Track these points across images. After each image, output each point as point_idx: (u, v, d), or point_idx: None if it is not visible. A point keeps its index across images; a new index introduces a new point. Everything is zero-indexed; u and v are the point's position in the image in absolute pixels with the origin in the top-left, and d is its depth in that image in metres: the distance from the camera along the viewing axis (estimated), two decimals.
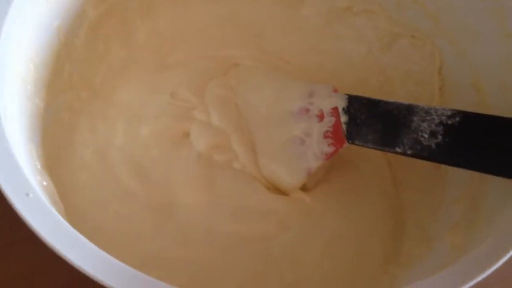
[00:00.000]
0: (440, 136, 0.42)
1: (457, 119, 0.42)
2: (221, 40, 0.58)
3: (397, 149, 0.43)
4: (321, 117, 0.48)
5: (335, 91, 0.50)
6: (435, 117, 0.42)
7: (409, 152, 0.43)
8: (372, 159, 0.50)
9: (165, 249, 0.44)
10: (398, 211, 0.49)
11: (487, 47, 0.46)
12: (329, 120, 0.48)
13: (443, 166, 0.47)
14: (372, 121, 0.45)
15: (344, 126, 0.47)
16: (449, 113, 0.42)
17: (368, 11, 0.55)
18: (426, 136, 0.42)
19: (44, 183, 0.40)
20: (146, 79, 0.54)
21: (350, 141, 0.46)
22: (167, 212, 0.46)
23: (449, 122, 0.42)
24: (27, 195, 0.32)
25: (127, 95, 0.52)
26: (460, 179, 0.45)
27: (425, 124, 0.43)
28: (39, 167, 0.41)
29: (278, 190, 0.50)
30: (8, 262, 0.47)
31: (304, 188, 0.49)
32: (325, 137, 0.48)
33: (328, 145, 0.47)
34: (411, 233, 0.47)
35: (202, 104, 0.52)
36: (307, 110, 0.49)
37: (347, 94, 0.49)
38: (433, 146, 0.42)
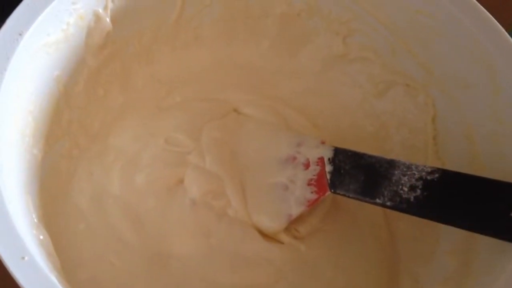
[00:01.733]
0: (419, 190, 0.43)
1: (436, 175, 0.43)
2: (219, 84, 0.59)
3: (377, 200, 0.45)
4: (307, 165, 0.50)
5: (323, 143, 0.51)
6: (416, 172, 0.44)
7: (388, 203, 0.44)
8: (367, 208, 0.50)
9: None
10: (393, 261, 0.49)
11: (478, 100, 0.47)
12: (314, 169, 0.49)
13: None
14: (355, 172, 0.47)
15: (328, 175, 0.48)
16: (429, 169, 0.43)
17: (364, 58, 0.56)
18: (405, 189, 0.44)
19: (41, 237, 0.40)
20: (142, 123, 0.54)
21: (332, 190, 0.48)
22: (162, 262, 0.46)
23: (429, 177, 0.43)
24: (23, 258, 0.33)
25: (122, 140, 0.53)
26: (454, 232, 0.46)
27: (405, 178, 0.44)
28: (35, 220, 0.41)
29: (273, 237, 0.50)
30: None
31: (298, 236, 0.50)
32: (309, 184, 0.49)
33: (311, 192, 0.49)
34: (405, 284, 0.47)
35: (197, 147, 0.53)
36: (294, 158, 0.51)
37: (333, 146, 0.50)
38: (412, 199, 0.43)
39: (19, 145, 0.42)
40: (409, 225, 0.50)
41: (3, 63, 0.40)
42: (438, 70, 0.50)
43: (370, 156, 0.47)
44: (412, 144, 0.54)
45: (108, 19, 0.49)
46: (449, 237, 0.47)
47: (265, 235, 0.49)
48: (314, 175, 0.49)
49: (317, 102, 0.58)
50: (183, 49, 0.58)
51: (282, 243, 0.49)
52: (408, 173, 0.44)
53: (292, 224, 0.50)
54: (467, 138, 0.48)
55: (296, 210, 0.49)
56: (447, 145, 0.51)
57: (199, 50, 0.59)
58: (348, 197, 0.47)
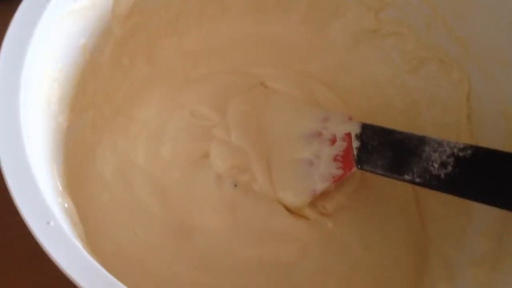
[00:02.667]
0: (450, 167, 0.42)
1: (469, 152, 0.41)
2: (247, 58, 0.58)
3: (406, 177, 0.43)
4: (333, 141, 0.49)
5: (350, 119, 0.50)
6: (447, 149, 0.42)
7: (417, 180, 0.43)
8: (397, 186, 0.49)
9: (182, 272, 0.44)
10: (422, 241, 0.48)
11: None
12: (340, 145, 0.48)
13: None
14: (383, 148, 0.45)
15: (355, 151, 0.47)
16: (461, 146, 0.42)
17: (396, 33, 0.54)
18: (436, 166, 0.42)
19: (66, 205, 0.39)
20: (167, 95, 0.54)
21: (359, 166, 0.46)
22: (186, 235, 0.46)
23: (461, 154, 0.42)
24: (48, 223, 0.32)
25: (147, 112, 0.52)
26: (487, 212, 0.45)
27: (436, 155, 0.42)
28: (60, 188, 0.41)
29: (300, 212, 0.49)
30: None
31: (325, 213, 0.49)
32: (335, 160, 0.48)
33: (337, 168, 0.48)
34: (434, 264, 0.46)
35: (223, 121, 0.52)
36: (320, 134, 0.50)
37: (361, 122, 0.49)
38: (442, 176, 0.42)
39: (45, 112, 0.42)
40: (439, 204, 0.49)
41: (30, 28, 0.39)
42: (475, 45, 0.48)
43: (400, 133, 0.46)
44: (444, 122, 0.52)
45: None
46: (482, 218, 0.46)
47: (291, 211, 0.48)
48: (340, 151, 0.48)
49: (347, 78, 0.57)
50: (210, 22, 0.57)
51: (308, 219, 0.48)
52: (439, 149, 0.43)
53: (319, 201, 0.49)
54: (504, 116, 0.47)
55: (320, 186, 0.48)
56: (482, 124, 0.49)
57: (227, 23, 0.57)
58: (376, 173, 0.46)
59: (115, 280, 0.31)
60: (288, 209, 0.48)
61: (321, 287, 0.44)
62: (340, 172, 0.48)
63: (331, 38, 0.58)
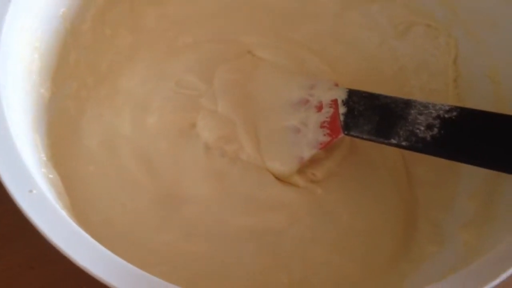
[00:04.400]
0: (436, 129, 0.42)
1: (455, 113, 0.42)
2: (233, 25, 0.57)
3: (392, 141, 0.43)
4: (319, 108, 0.49)
5: (336, 85, 0.50)
6: (433, 111, 0.42)
7: (403, 143, 0.43)
8: (386, 152, 0.49)
9: (171, 242, 0.43)
10: (411, 206, 0.48)
11: (505, 38, 0.45)
12: (327, 111, 0.48)
13: None
14: (370, 113, 0.45)
15: (341, 117, 0.47)
16: (447, 108, 0.42)
17: None
18: (422, 128, 0.42)
19: (50, 176, 0.39)
20: (152, 65, 0.53)
21: (346, 132, 0.46)
22: (174, 204, 0.45)
23: (446, 116, 0.42)
24: (31, 191, 0.32)
25: (132, 82, 0.51)
26: (474, 175, 0.44)
27: (422, 117, 0.43)
28: (44, 158, 0.40)
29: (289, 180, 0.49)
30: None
31: (315, 180, 0.48)
32: (322, 127, 0.48)
33: (324, 135, 0.47)
34: (423, 229, 0.46)
35: (209, 90, 0.52)
36: (307, 101, 0.49)
37: (347, 88, 0.48)
38: (428, 138, 0.42)
39: (26, 82, 0.41)
40: (428, 170, 0.49)
41: None
42: (462, 7, 0.48)
43: (386, 97, 0.46)
44: (432, 87, 0.52)
45: None
46: (469, 182, 0.46)
47: (281, 179, 0.48)
48: (327, 118, 0.48)
49: (335, 45, 0.56)
50: None
51: (297, 186, 0.48)
52: (425, 112, 0.43)
53: (309, 168, 0.48)
54: (491, 79, 0.46)
55: (307, 153, 0.48)
56: (469, 87, 0.49)
57: None
58: (362, 138, 0.45)
59: (99, 245, 0.30)
60: (277, 177, 0.48)
61: (311, 253, 0.44)
62: (327, 138, 0.47)
63: (319, 4, 0.57)
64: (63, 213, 0.32)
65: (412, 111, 0.43)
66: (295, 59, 0.55)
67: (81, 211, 0.41)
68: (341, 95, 0.48)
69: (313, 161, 0.48)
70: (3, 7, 0.39)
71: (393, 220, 0.47)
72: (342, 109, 0.47)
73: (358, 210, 0.47)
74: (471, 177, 0.45)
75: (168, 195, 0.46)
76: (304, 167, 0.48)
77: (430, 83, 0.52)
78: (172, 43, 0.55)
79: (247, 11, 0.57)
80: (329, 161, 0.49)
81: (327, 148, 0.49)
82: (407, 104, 0.44)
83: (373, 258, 0.45)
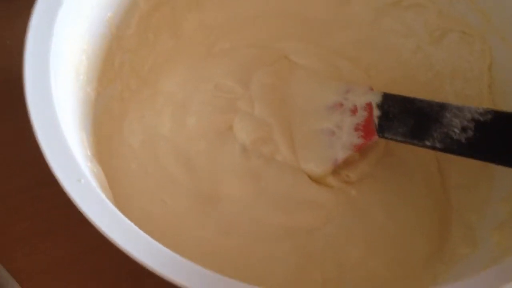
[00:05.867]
0: (471, 132, 0.42)
1: (489, 116, 0.42)
2: (270, 32, 0.58)
3: (426, 142, 0.44)
4: (354, 111, 0.50)
5: (371, 90, 0.51)
6: (467, 114, 0.43)
7: (438, 145, 0.43)
8: (420, 155, 0.50)
9: (208, 238, 0.45)
10: (444, 208, 0.48)
11: None
12: (361, 114, 0.49)
13: (491, 164, 0.46)
14: (404, 116, 0.46)
15: (376, 120, 0.48)
16: (482, 111, 0.42)
17: (418, 5, 0.54)
18: (457, 131, 0.43)
19: (95, 170, 0.41)
20: (191, 68, 0.54)
21: (380, 134, 0.47)
22: (212, 202, 0.47)
23: (481, 118, 0.42)
24: (79, 181, 0.33)
25: (172, 84, 0.53)
26: (508, 178, 0.45)
27: (457, 120, 0.43)
28: (89, 154, 0.42)
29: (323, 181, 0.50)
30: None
31: (349, 182, 0.49)
32: (356, 129, 0.49)
33: (358, 137, 0.48)
34: (457, 231, 0.46)
35: (246, 94, 0.53)
36: (341, 105, 0.50)
37: (382, 92, 0.49)
38: (463, 140, 0.42)
39: (74, 81, 0.43)
40: (462, 173, 0.49)
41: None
42: (496, 15, 0.49)
43: (421, 101, 0.46)
44: (467, 93, 0.52)
45: None
46: (503, 185, 0.46)
47: (315, 180, 0.49)
48: (361, 120, 0.49)
49: (370, 52, 0.57)
50: None
51: (332, 187, 0.49)
52: (460, 115, 0.43)
53: (344, 170, 0.49)
54: None
55: (342, 155, 0.48)
56: (504, 94, 0.49)
57: None
58: (397, 140, 0.46)
59: (141, 231, 0.32)
60: (312, 178, 0.49)
61: (344, 253, 0.45)
62: (361, 141, 0.48)
63: (353, 12, 0.58)
64: (109, 202, 0.33)
65: (447, 114, 0.44)
66: (330, 65, 0.56)
67: (122, 205, 0.42)
68: (375, 99, 0.49)
69: (347, 163, 0.49)
70: (54, 10, 0.41)
71: (426, 222, 0.47)
72: (376, 112, 0.48)
73: (392, 212, 0.47)
74: (504, 180, 0.46)
75: (205, 194, 0.47)
76: (339, 168, 0.49)
77: (464, 89, 0.52)
78: (211, 48, 0.56)
79: (283, 18, 0.58)
80: (363, 163, 0.50)
81: (362, 151, 0.50)
82: (442, 107, 0.44)
83: (406, 259, 0.45)
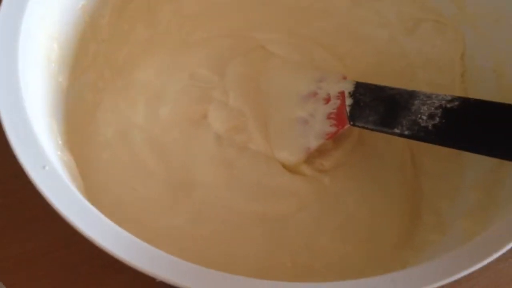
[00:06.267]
0: (437, 118, 0.43)
1: (456, 103, 0.43)
2: (245, 21, 0.58)
3: (396, 130, 0.44)
4: (327, 100, 0.50)
5: (344, 78, 0.51)
6: (435, 101, 0.43)
7: (406, 132, 0.44)
8: (393, 143, 0.50)
9: (179, 225, 0.45)
10: (416, 196, 0.49)
11: (510, 33, 0.46)
12: (334, 103, 0.49)
13: (463, 152, 0.47)
14: (375, 104, 0.47)
15: (348, 108, 0.48)
16: (449, 98, 0.43)
17: None
18: (424, 118, 0.43)
19: (65, 159, 0.41)
20: (166, 58, 0.55)
21: (351, 122, 0.47)
22: (184, 190, 0.47)
23: (448, 105, 0.43)
24: (44, 167, 0.34)
25: (147, 74, 0.53)
26: (478, 166, 0.45)
27: (424, 107, 0.44)
28: (60, 142, 0.42)
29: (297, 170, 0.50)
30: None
31: (323, 170, 0.50)
32: (328, 118, 0.49)
33: (330, 125, 0.49)
34: (426, 218, 0.47)
35: (221, 83, 0.53)
36: (315, 94, 0.51)
37: (354, 81, 0.50)
38: (430, 127, 0.43)
39: (44, 69, 0.43)
40: (434, 161, 0.50)
41: None
42: (469, 4, 0.49)
43: (391, 89, 0.47)
44: (440, 82, 0.53)
45: None
46: (473, 172, 0.46)
47: (289, 169, 0.49)
48: (334, 109, 0.49)
49: (345, 41, 0.57)
50: None
51: (305, 175, 0.49)
52: (428, 102, 0.44)
53: (317, 158, 0.50)
54: (496, 73, 0.47)
55: (314, 143, 0.49)
56: (475, 82, 0.50)
57: None
58: (367, 128, 0.47)
59: (106, 218, 0.32)
60: (285, 166, 0.49)
61: (316, 239, 0.45)
62: (333, 129, 0.48)
63: (329, 1, 0.58)
64: (73, 188, 0.33)
65: (416, 102, 0.44)
66: (306, 54, 0.56)
67: (93, 194, 0.43)
68: (348, 87, 0.49)
69: (321, 152, 0.50)
70: None
71: (397, 209, 0.48)
72: (348, 101, 0.48)
73: (364, 199, 0.48)
74: (475, 168, 0.46)
75: (178, 181, 0.47)
76: (313, 157, 0.50)
77: (437, 78, 0.53)
78: (186, 37, 0.56)
79: (259, 7, 0.58)
80: (337, 152, 0.50)
81: (335, 139, 0.50)
82: (411, 95, 0.45)
83: (377, 246, 0.46)
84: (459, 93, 0.50)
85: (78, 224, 0.31)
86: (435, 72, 0.53)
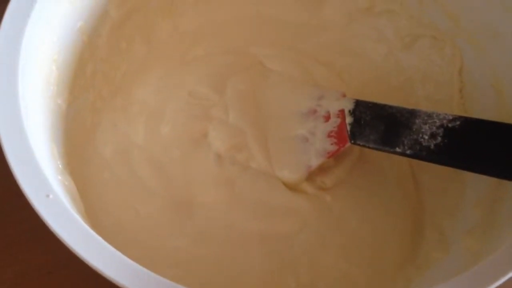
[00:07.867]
0: (439, 138, 0.43)
1: (458, 122, 0.43)
2: (244, 37, 0.58)
3: (397, 149, 0.44)
4: (327, 118, 0.50)
5: (343, 96, 0.51)
6: (437, 120, 0.43)
7: (408, 152, 0.44)
8: (394, 160, 0.50)
9: (183, 247, 0.45)
10: (418, 214, 0.49)
11: (507, 48, 0.46)
12: (334, 121, 0.49)
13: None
14: (376, 123, 0.47)
15: (348, 127, 0.48)
16: (450, 117, 0.43)
17: (390, 11, 0.55)
18: (426, 137, 0.43)
19: (66, 183, 0.41)
20: (165, 76, 0.54)
21: (352, 141, 0.47)
22: (186, 211, 0.47)
23: (450, 125, 0.43)
24: (47, 196, 0.33)
25: (146, 93, 0.53)
26: (479, 184, 0.45)
27: (426, 127, 0.44)
28: (60, 166, 0.42)
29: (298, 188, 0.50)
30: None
31: (324, 188, 0.50)
32: (329, 136, 0.49)
33: (331, 144, 0.49)
34: (429, 236, 0.47)
35: (221, 100, 0.53)
36: (315, 111, 0.51)
37: (354, 98, 0.50)
38: (432, 147, 0.43)
39: (44, 92, 0.43)
40: (435, 178, 0.50)
41: (27, 8, 0.41)
42: (465, 19, 0.49)
43: (391, 107, 0.47)
44: (438, 98, 0.53)
45: None
46: (475, 190, 0.47)
47: (291, 187, 0.49)
48: (334, 127, 0.49)
49: (343, 56, 0.58)
50: (206, 2, 0.58)
51: (307, 194, 0.49)
52: (429, 121, 0.44)
53: (318, 176, 0.50)
54: (494, 88, 0.47)
55: (315, 162, 0.49)
56: (474, 97, 0.50)
57: (223, 3, 0.58)
58: (369, 147, 0.47)
59: (111, 247, 0.32)
60: (287, 185, 0.49)
61: (319, 258, 0.45)
62: (334, 147, 0.48)
63: (326, 17, 0.58)
64: (77, 217, 0.33)
65: (417, 121, 0.44)
66: (304, 70, 0.56)
67: (94, 216, 0.43)
68: (348, 105, 0.49)
69: (322, 169, 0.50)
70: (23, 20, 0.40)
71: (400, 227, 0.48)
72: (349, 119, 0.48)
73: (366, 217, 0.48)
74: (476, 185, 0.46)
75: (179, 202, 0.47)
76: (314, 175, 0.49)
77: (435, 93, 0.53)
78: (185, 55, 0.56)
79: (257, 23, 0.59)
80: (338, 169, 0.50)
81: (336, 157, 0.50)
82: (412, 113, 0.45)
83: (380, 264, 0.46)
84: (457, 108, 0.50)
85: (83, 254, 0.31)
86: (433, 88, 0.53)
